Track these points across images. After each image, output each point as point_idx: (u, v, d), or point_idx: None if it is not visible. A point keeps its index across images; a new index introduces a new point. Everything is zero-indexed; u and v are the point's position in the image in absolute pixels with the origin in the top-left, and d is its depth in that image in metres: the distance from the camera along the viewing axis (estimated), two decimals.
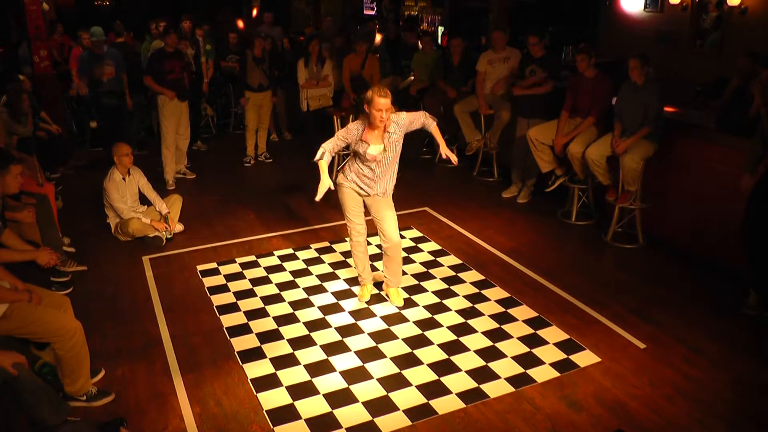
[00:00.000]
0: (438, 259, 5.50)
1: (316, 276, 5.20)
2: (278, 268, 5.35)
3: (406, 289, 4.95)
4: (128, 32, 10.00)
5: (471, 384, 3.82)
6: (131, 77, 7.93)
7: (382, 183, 4.49)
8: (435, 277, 5.16)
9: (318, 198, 4.35)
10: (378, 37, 10.55)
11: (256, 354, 4.15)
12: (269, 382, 3.87)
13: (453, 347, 4.20)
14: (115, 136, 7.83)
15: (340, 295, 4.90)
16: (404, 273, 5.19)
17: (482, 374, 3.91)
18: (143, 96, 8.48)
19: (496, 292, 4.91)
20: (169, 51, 7.30)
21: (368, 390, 3.78)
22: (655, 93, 5.40)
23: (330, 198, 4.60)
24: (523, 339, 4.29)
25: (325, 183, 4.33)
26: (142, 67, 8.15)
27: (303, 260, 5.48)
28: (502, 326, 4.44)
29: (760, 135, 4.51)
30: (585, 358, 4.06)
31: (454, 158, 4.72)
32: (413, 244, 5.80)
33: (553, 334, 4.34)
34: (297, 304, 4.75)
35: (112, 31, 9.69)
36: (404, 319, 4.55)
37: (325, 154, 4.35)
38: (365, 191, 4.51)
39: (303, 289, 4.99)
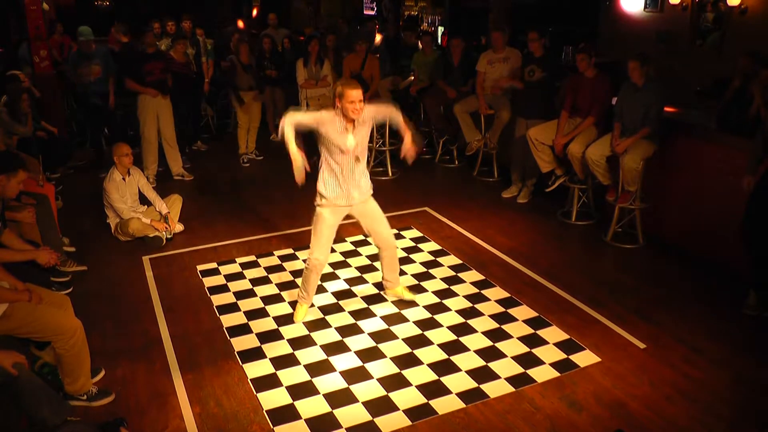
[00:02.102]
0: (438, 259, 5.50)
1: None
2: (278, 268, 5.35)
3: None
4: (127, 32, 10.00)
5: (471, 384, 3.82)
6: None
7: (357, 180, 4.27)
8: (435, 277, 5.16)
9: (299, 180, 4.11)
10: (378, 37, 10.56)
11: (256, 354, 4.15)
12: (269, 382, 3.87)
13: (453, 347, 4.20)
14: (98, 137, 7.91)
15: (340, 295, 4.90)
16: (404, 273, 5.20)
17: (482, 374, 3.91)
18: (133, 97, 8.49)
19: (496, 292, 4.91)
20: (149, 52, 7.18)
21: (368, 390, 3.78)
22: (656, 93, 5.39)
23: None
24: (523, 339, 4.29)
25: (299, 161, 4.05)
26: None
27: (303, 260, 5.47)
28: (502, 326, 4.44)
29: (761, 135, 4.51)
30: (585, 358, 4.06)
31: (410, 157, 4.36)
32: (413, 244, 5.79)
33: (553, 334, 4.34)
34: (297, 304, 4.74)
35: (111, 32, 9.70)
36: (404, 319, 4.55)
37: (285, 128, 4.03)
38: (346, 199, 4.26)
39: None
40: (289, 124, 4.07)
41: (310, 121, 4.16)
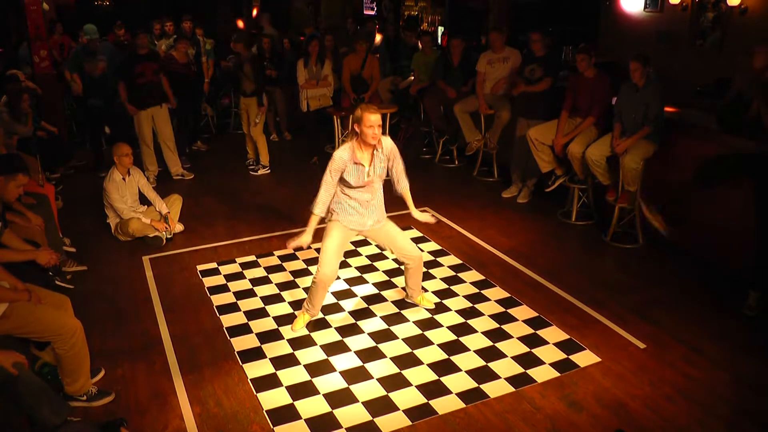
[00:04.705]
0: (438, 259, 5.50)
1: None
2: (278, 268, 5.35)
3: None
4: (128, 32, 10.00)
5: (471, 384, 3.83)
6: None
7: (375, 209, 4.30)
8: (435, 277, 5.16)
9: (290, 245, 4.24)
10: (378, 37, 10.56)
11: (256, 354, 4.15)
12: (269, 382, 3.87)
13: (453, 347, 4.20)
14: (98, 138, 7.89)
15: (340, 295, 4.90)
16: None
17: (482, 374, 3.91)
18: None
19: (496, 292, 4.91)
20: (140, 53, 7.10)
21: (368, 390, 3.78)
22: (656, 94, 5.39)
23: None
24: (523, 339, 4.29)
25: (306, 240, 4.20)
26: None
27: (303, 260, 5.48)
28: (502, 326, 4.44)
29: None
30: (585, 358, 4.06)
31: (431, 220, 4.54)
32: None
33: (553, 334, 4.34)
34: (297, 304, 4.74)
35: (112, 32, 9.70)
36: (404, 319, 4.55)
37: (318, 205, 4.17)
38: (359, 225, 4.29)
39: (303, 289, 4.98)
40: (323, 202, 4.18)
41: (335, 175, 4.15)
